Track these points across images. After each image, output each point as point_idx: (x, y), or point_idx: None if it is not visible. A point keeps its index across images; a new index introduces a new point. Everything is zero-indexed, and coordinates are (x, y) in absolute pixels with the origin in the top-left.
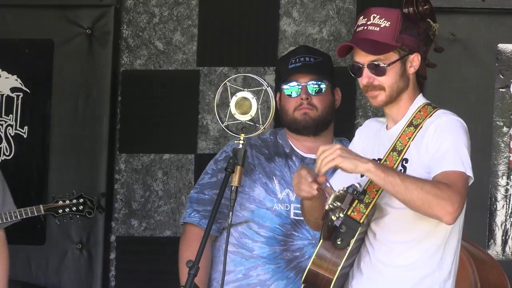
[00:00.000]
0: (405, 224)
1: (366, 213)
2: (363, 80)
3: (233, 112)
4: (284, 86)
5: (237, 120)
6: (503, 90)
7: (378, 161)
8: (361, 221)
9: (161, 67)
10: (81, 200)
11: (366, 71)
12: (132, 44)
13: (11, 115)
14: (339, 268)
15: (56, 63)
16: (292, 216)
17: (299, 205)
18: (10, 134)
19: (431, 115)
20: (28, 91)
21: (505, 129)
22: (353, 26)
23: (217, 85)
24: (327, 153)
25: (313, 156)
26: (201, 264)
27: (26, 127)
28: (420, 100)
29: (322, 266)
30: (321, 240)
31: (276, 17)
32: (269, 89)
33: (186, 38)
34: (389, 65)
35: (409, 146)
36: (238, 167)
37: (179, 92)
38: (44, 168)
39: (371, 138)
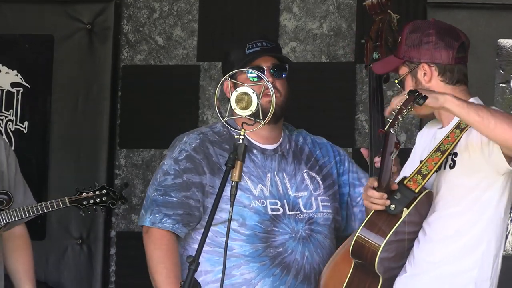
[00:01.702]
0: (448, 220)
1: (423, 184)
2: None
3: (233, 107)
4: (247, 70)
5: (238, 115)
6: (503, 85)
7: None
8: (417, 190)
9: (162, 62)
10: (104, 191)
11: None
12: (132, 39)
13: (11, 110)
14: (388, 236)
15: (56, 59)
16: (270, 212)
17: (274, 200)
18: (10, 129)
19: None
20: (28, 86)
21: None
22: (353, 21)
23: (218, 80)
24: (399, 96)
25: (271, 146)
26: (173, 262)
27: (26, 122)
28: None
29: (369, 236)
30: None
31: (277, 12)
32: (269, 84)
33: (186, 33)
34: (400, 79)
35: (458, 140)
36: (239, 162)
37: (180, 87)
38: (44, 163)
39: (431, 138)
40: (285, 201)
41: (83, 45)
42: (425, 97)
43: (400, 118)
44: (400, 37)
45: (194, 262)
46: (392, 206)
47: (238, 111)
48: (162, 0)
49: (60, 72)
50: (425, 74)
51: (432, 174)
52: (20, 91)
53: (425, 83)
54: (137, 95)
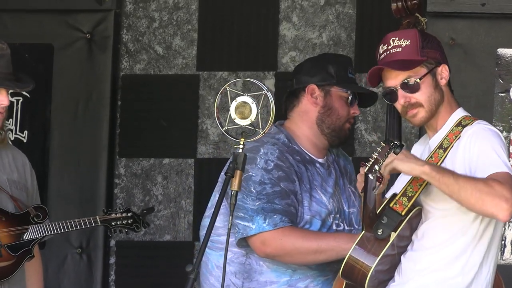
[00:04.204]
0: (434, 230)
1: (409, 206)
2: (400, 101)
3: (233, 117)
4: (349, 89)
5: (237, 124)
6: (502, 94)
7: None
8: (403, 213)
9: (161, 72)
10: (129, 214)
11: (400, 92)
12: (132, 48)
13: (11, 120)
14: (377, 259)
15: (56, 68)
16: (334, 227)
17: (338, 215)
18: (10, 138)
19: (468, 125)
20: (28, 95)
21: (504, 133)
22: (352, 31)
23: (217, 89)
24: (386, 160)
25: (322, 160)
26: (318, 232)
27: (26, 132)
28: (460, 112)
29: (360, 257)
30: (363, 231)
31: (276, 21)
32: (269, 94)
33: (186, 42)
34: (420, 79)
35: (446, 155)
36: (238, 172)
37: (179, 97)
38: (44, 173)
39: (424, 148)
40: (344, 216)
41: (83, 55)
42: (402, 146)
43: (376, 167)
44: (408, 41)
45: (193, 271)
46: (380, 231)
47: (238, 121)
48: (162, 9)
49: (59, 81)
50: (442, 75)
51: (417, 196)
52: (20, 101)
53: (441, 85)
54: (137, 105)
